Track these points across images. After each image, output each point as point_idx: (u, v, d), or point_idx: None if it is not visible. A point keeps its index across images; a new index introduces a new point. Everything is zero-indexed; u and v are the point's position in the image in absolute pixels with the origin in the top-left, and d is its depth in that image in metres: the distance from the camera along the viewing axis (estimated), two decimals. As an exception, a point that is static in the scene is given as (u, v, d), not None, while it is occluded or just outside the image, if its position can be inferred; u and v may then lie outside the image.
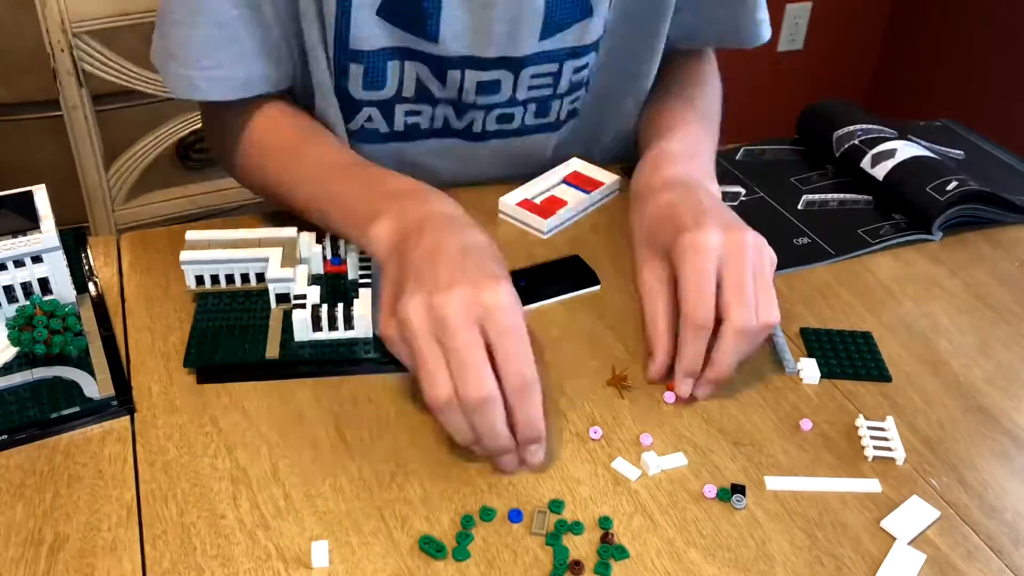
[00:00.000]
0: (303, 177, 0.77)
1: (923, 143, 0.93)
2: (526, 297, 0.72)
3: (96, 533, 0.56)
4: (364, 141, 0.87)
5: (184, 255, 0.72)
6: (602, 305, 0.76)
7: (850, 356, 0.71)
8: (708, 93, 0.93)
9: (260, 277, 0.73)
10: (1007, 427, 0.66)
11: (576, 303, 0.76)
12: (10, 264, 0.68)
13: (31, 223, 0.69)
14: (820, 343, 0.72)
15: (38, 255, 0.68)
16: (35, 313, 0.66)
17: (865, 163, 0.90)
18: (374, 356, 0.67)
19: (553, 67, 0.84)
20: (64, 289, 0.71)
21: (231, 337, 0.69)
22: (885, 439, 0.64)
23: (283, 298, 0.71)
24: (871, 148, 0.91)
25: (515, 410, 0.57)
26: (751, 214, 0.83)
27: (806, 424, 0.65)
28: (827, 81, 2.70)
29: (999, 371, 0.71)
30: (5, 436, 0.61)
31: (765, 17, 0.92)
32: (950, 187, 0.84)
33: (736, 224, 0.69)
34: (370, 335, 0.69)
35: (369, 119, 0.85)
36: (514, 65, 0.82)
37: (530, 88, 0.85)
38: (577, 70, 0.86)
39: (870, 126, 0.94)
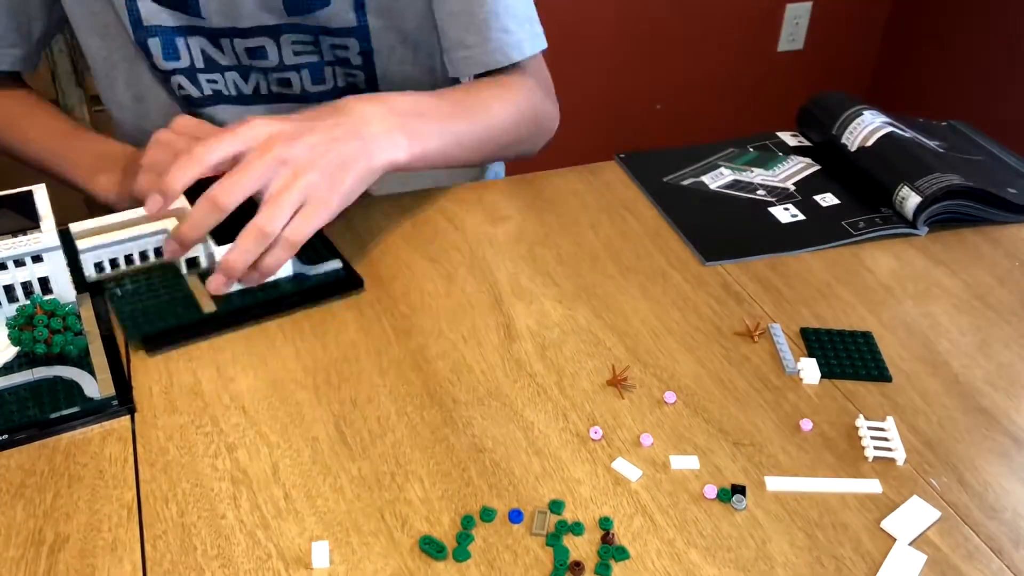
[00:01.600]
0: (33, 139, 0.96)
1: (909, 131, 0.93)
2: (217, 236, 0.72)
3: (96, 533, 0.56)
4: (194, 106, 0.97)
5: (81, 244, 0.73)
6: (602, 304, 0.76)
7: (850, 356, 0.71)
8: (479, 88, 0.91)
9: (158, 252, 0.75)
10: (1007, 427, 0.66)
11: (574, 301, 0.76)
12: (10, 263, 0.68)
13: (31, 223, 0.69)
14: (820, 343, 0.72)
15: (38, 254, 0.68)
16: (35, 312, 0.66)
17: (851, 143, 0.91)
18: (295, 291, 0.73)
19: (309, 37, 0.92)
20: (64, 288, 0.71)
21: (161, 306, 0.71)
22: (885, 439, 0.64)
23: (193, 263, 0.74)
24: (861, 132, 0.92)
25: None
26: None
27: (806, 424, 0.65)
28: (827, 81, 2.70)
29: (1000, 371, 0.71)
30: (5, 436, 0.61)
31: (511, 30, 0.90)
32: (935, 181, 0.84)
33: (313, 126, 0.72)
34: (291, 273, 0.74)
35: (180, 87, 0.95)
36: (270, 32, 0.91)
37: (295, 54, 0.93)
38: (337, 47, 0.93)
39: (870, 114, 0.94)
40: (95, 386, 0.65)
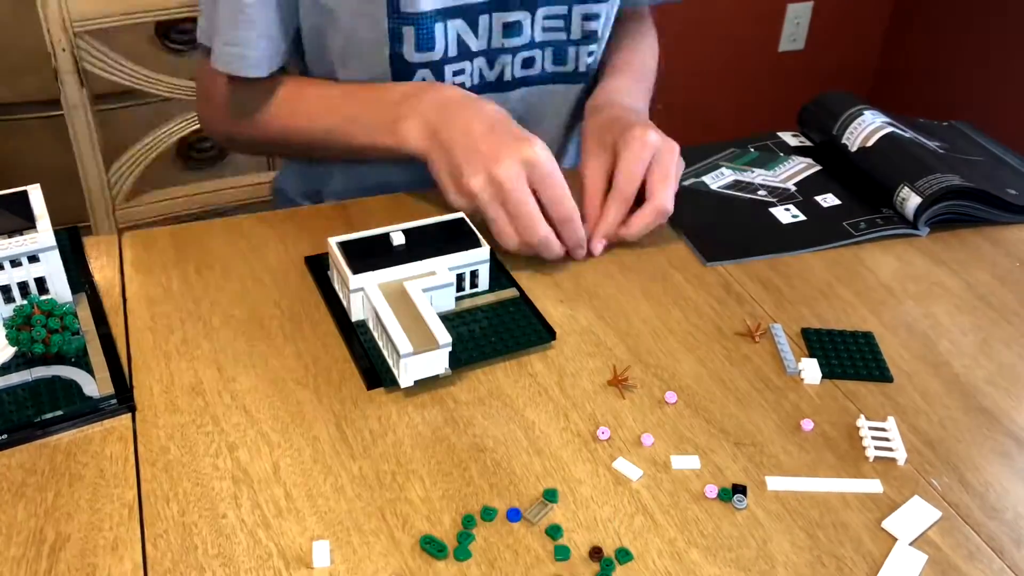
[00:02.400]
0: (315, 115, 0.91)
1: (909, 131, 0.93)
2: (404, 257, 0.71)
3: (97, 532, 0.56)
4: None
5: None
6: (603, 304, 0.76)
7: (851, 356, 0.71)
8: (644, 48, 1.07)
9: None
10: (1008, 427, 0.66)
11: (575, 301, 0.76)
12: (7, 264, 0.68)
13: (27, 223, 0.69)
14: (821, 343, 0.72)
15: (34, 254, 0.68)
16: (33, 312, 0.66)
17: (852, 144, 0.91)
18: None
19: (563, 9, 0.93)
20: (61, 288, 0.70)
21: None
22: (886, 439, 0.64)
23: None
24: (862, 133, 0.92)
25: (563, 235, 0.78)
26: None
27: (807, 424, 0.65)
28: (828, 81, 2.70)
29: (1000, 371, 0.71)
30: (4, 436, 0.61)
31: None
32: (936, 182, 0.84)
33: (668, 138, 0.84)
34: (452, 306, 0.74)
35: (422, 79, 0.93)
36: (529, 4, 0.92)
37: (544, 30, 0.94)
38: (587, 17, 0.94)
39: (870, 114, 0.94)
40: (94, 385, 0.65)
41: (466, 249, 0.73)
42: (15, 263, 0.68)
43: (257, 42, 0.87)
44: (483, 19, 0.90)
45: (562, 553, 0.55)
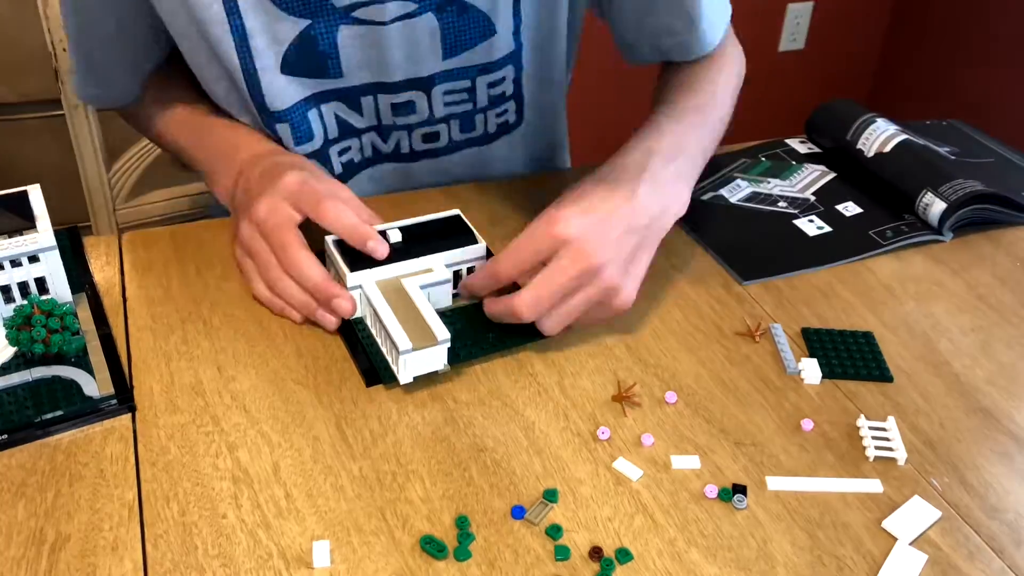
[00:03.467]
0: (174, 133, 0.91)
1: (921, 139, 0.93)
2: (401, 255, 0.71)
3: (97, 532, 0.56)
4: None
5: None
6: (603, 305, 0.76)
7: (851, 356, 0.71)
8: (711, 90, 0.87)
9: None
10: (1008, 427, 0.66)
11: (577, 303, 0.76)
12: (7, 264, 0.68)
13: (27, 223, 0.69)
14: (821, 343, 0.72)
15: (34, 255, 0.68)
16: (33, 312, 0.66)
17: (868, 150, 0.91)
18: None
19: (466, 83, 0.87)
20: (61, 288, 0.70)
21: None
22: (886, 439, 0.64)
23: None
24: (876, 140, 0.91)
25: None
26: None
27: (807, 424, 0.65)
28: (828, 81, 2.70)
29: (1001, 371, 0.71)
30: (5, 436, 0.61)
31: (713, 21, 0.87)
32: (958, 188, 0.84)
33: (617, 236, 0.68)
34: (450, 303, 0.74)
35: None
36: (423, 84, 0.85)
37: (446, 104, 0.88)
38: (493, 84, 0.88)
39: (883, 121, 0.94)
40: (94, 385, 0.65)
41: (463, 246, 0.73)
42: (15, 263, 0.68)
43: (114, 88, 0.91)
44: (366, 100, 0.85)
45: (562, 553, 0.55)
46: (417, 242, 0.72)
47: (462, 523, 0.57)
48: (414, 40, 0.81)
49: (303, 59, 0.80)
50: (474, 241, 0.73)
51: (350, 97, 0.85)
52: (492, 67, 0.86)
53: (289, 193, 0.71)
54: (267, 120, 0.83)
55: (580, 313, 0.68)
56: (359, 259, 0.70)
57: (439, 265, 0.71)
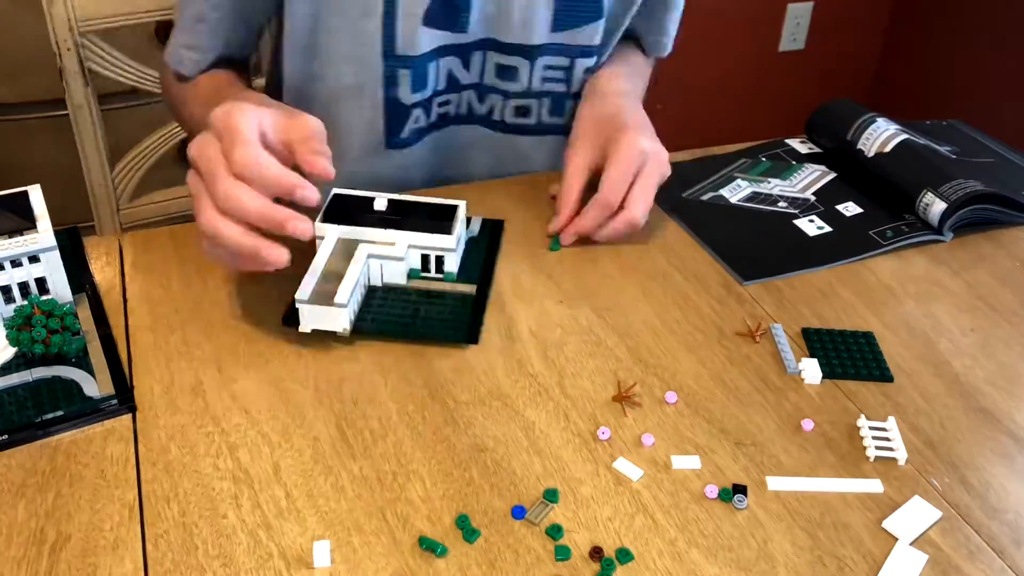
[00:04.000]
0: (194, 112, 0.88)
1: (922, 139, 0.93)
2: (378, 223, 0.73)
3: (98, 533, 0.56)
4: (408, 145, 0.94)
5: None
6: (603, 304, 0.76)
7: (852, 356, 0.71)
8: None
9: None
10: (1009, 427, 0.66)
11: (576, 302, 0.76)
12: (7, 264, 0.68)
13: (27, 223, 0.69)
14: (822, 343, 0.72)
15: (35, 255, 0.68)
16: (33, 313, 0.66)
17: (869, 150, 0.91)
18: None
19: (566, 61, 0.92)
20: (61, 288, 0.70)
21: None
22: (887, 439, 0.64)
23: None
24: (877, 140, 0.91)
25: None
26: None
27: (808, 424, 0.65)
28: (828, 81, 2.70)
29: (1001, 371, 0.71)
30: (5, 436, 0.61)
31: (673, 33, 1.01)
32: (960, 187, 0.84)
33: (658, 142, 0.84)
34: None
35: (416, 120, 0.92)
36: (529, 53, 0.90)
37: (544, 80, 0.93)
38: (590, 69, 0.94)
39: (883, 121, 0.94)
40: (94, 385, 0.65)
41: (435, 232, 0.74)
42: (15, 263, 0.68)
43: (209, 52, 0.89)
44: (476, 56, 0.90)
45: (562, 553, 0.55)
46: (400, 216, 0.74)
47: (463, 522, 0.57)
48: (532, 5, 0.87)
49: (444, 13, 0.85)
50: (448, 232, 0.74)
51: (465, 51, 0.89)
52: (591, 51, 0.92)
53: (215, 129, 0.65)
54: (389, 64, 0.86)
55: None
56: (338, 215, 0.73)
57: (401, 243, 0.73)
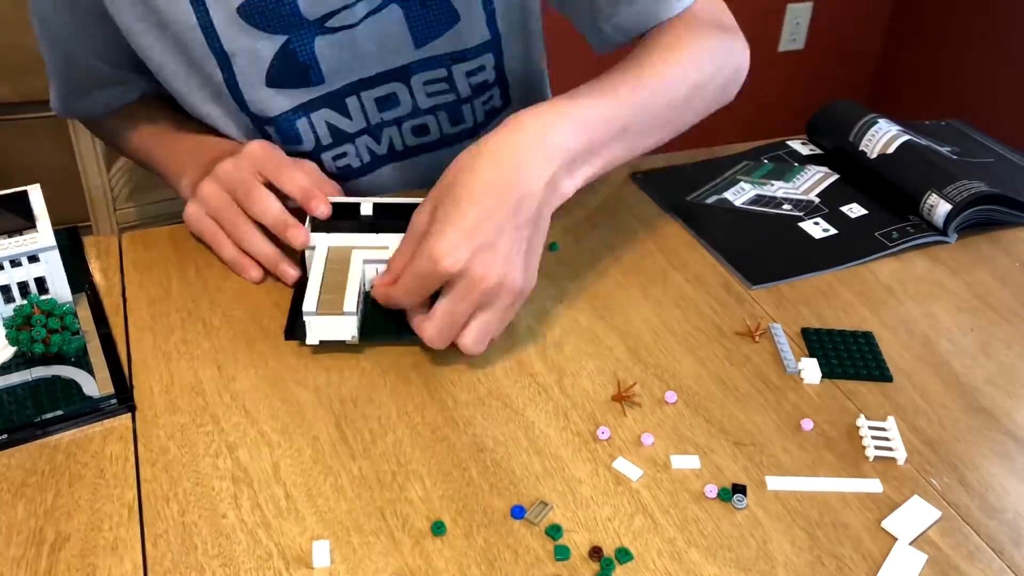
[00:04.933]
0: (137, 147, 0.93)
1: (923, 139, 0.93)
2: (364, 228, 0.73)
3: (97, 532, 0.56)
4: None
5: None
6: (603, 304, 0.76)
7: (851, 356, 0.71)
8: (655, 63, 0.77)
9: None
10: (1008, 427, 0.66)
11: (576, 302, 0.76)
12: (7, 264, 0.68)
13: (27, 222, 0.69)
14: (821, 343, 0.72)
15: (34, 254, 0.68)
16: (33, 312, 0.66)
17: (871, 152, 0.91)
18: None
19: (442, 72, 0.88)
20: (61, 288, 0.70)
21: None
22: (886, 439, 0.64)
23: None
24: (879, 141, 0.91)
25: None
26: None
27: (807, 424, 0.65)
28: (828, 81, 2.70)
29: (1000, 371, 0.71)
30: (5, 436, 0.61)
31: None
32: (963, 189, 0.84)
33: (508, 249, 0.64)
34: None
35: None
36: (400, 75, 0.87)
37: (429, 95, 0.89)
38: (472, 73, 0.89)
39: (885, 122, 0.94)
40: (94, 385, 0.65)
41: None
42: (15, 263, 0.68)
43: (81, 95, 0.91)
44: (351, 101, 0.86)
45: (562, 553, 0.55)
46: (386, 220, 0.74)
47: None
48: (384, 33, 0.83)
49: (286, 72, 0.82)
50: None
51: (335, 101, 0.86)
52: (467, 54, 0.88)
53: (253, 157, 0.76)
54: (256, 123, 0.85)
55: (498, 323, 0.66)
56: (326, 224, 0.73)
57: (393, 244, 0.72)
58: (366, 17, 0.82)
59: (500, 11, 0.87)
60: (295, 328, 0.70)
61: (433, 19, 0.84)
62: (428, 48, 0.86)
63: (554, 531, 0.56)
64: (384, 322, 0.71)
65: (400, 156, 0.93)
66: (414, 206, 0.74)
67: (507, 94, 0.94)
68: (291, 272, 0.75)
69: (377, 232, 0.73)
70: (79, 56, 0.86)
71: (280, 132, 0.85)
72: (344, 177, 0.92)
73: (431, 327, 0.65)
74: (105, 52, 0.84)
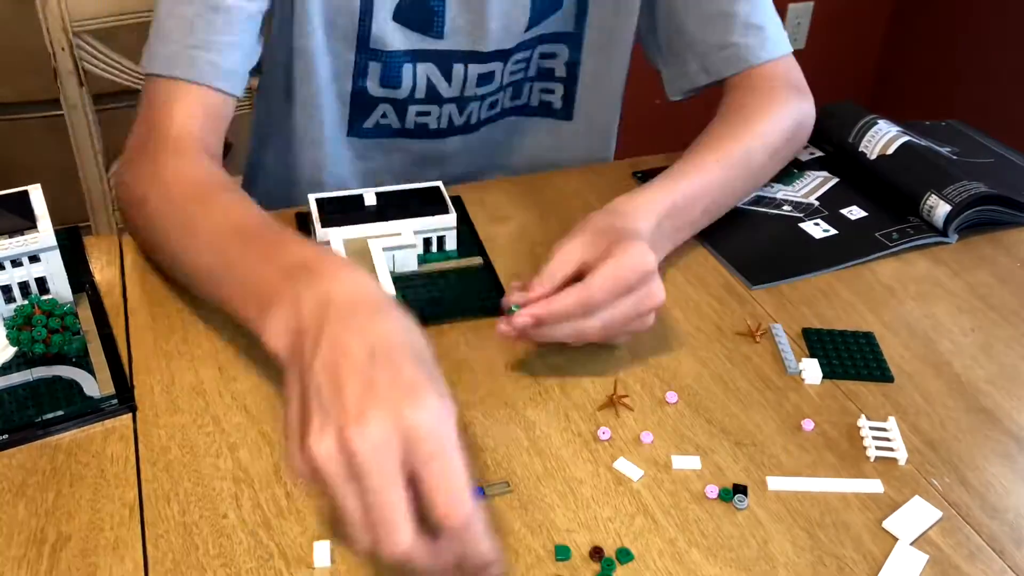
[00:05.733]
0: (203, 241, 0.66)
1: (923, 140, 0.93)
2: (374, 217, 0.74)
3: (98, 532, 0.56)
4: (374, 136, 0.94)
5: None
6: (604, 305, 0.76)
7: (852, 356, 0.71)
8: (726, 137, 0.85)
9: None
10: (1009, 427, 0.66)
11: (578, 303, 0.76)
12: (7, 264, 0.68)
13: (28, 223, 0.69)
14: (822, 343, 0.72)
15: (35, 254, 0.68)
16: (34, 312, 0.66)
17: (871, 153, 0.91)
18: None
19: (528, 53, 0.93)
20: (61, 288, 0.70)
21: None
22: (887, 439, 0.64)
23: None
24: (879, 141, 0.91)
25: (455, 548, 0.46)
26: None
27: (808, 424, 0.65)
28: (828, 81, 2.69)
29: (1001, 372, 0.71)
30: (6, 436, 0.61)
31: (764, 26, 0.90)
32: (963, 189, 0.84)
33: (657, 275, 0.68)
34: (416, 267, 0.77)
35: (384, 115, 0.92)
36: (505, 56, 0.90)
37: (511, 74, 0.93)
38: (544, 56, 0.94)
39: (884, 123, 0.94)
40: (95, 385, 0.65)
41: (434, 214, 0.76)
42: (16, 263, 0.68)
43: (230, 51, 0.77)
44: (457, 68, 0.89)
45: (562, 553, 0.55)
46: (393, 207, 0.76)
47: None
48: (509, 11, 0.86)
49: (414, 11, 0.84)
50: (446, 211, 0.76)
51: (444, 61, 0.88)
52: (547, 39, 0.92)
53: (405, 429, 0.47)
54: (361, 56, 0.86)
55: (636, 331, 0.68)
56: (334, 217, 0.74)
57: (407, 230, 0.74)
58: None
59: (591, 20, 0.91)
60: None
61: (547, 4, 0.88)
62: (531, 32, 0.89)
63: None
64: (420, 306, 0.72)
65: (470, 129, 0.96)
66: (412, 191, 0.77)
67: (570, 105, 0.98)
68: None
69: (386, 220, 0.74)
70: None
71: (385, 70, 0.87)
72: (417, 136, 0.95)
73: (599, 326, 0.65)
74: None
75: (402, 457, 0.46)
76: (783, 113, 0.88)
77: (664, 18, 0.92)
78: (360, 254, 0.72)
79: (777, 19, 0.92)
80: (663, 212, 0.74)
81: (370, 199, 0.76)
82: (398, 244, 0.73)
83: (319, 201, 0.76)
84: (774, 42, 0.91)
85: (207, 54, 0.75)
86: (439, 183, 0.79)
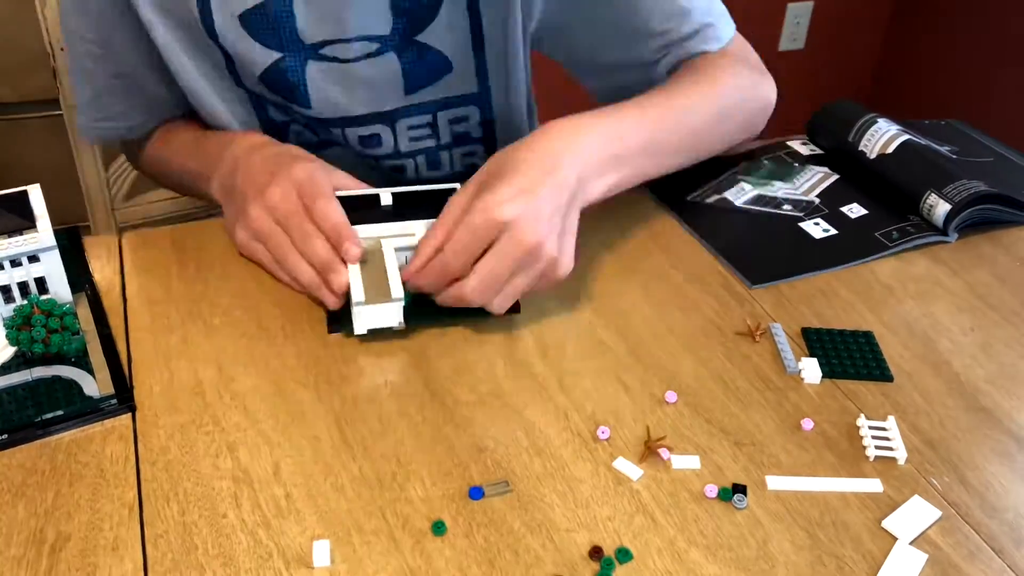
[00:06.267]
0: (173, 160, 0.92)
1: (923, 139, 0.93)
2: (388, 217, 0.75)
3: (98, 532, 0.56)
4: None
5: None
6: (603, 304, 0.76)
7: (851, 356, 0.71)
8: (663, 91, 0.83)
9: None
10: (1009, 427, 0.66)
11: (576, 302, 0.76)
12: (7, 264, 0.68)
13: (27, 222, 0.69)
14: (821, 343, 0.72)
15: (35, 254, 0.68)
16: (33, 312, 0.66)
17: (871, 152, 0.91)
18: None
19: (427, 118, 0.91)
20: (61, 288, 0.70)
21: None
22: (886, 439, 0.64)
23: None
24: (879, 141, 0.91)
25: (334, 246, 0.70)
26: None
27: (807, 424, 0.65)
28: (828, 81, 2.70)
29: (1001, 371, 0.71)
30: (5, 436, 0.61)
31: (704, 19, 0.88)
32: (963, 188, 0.84)
33: (557, 216, 0.69)
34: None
35: (298, 135, 0.93)
36: (386, 118, 0.89)
37: (411, 140, 0.92)
38: (455, 121, 0.92)
39: (884, 122, 0.94)
40: (94, 385, 0.65)
41: None
42: (15, 263, 0.68)
43: (133, 114, 0.91)
44: (335, 131, 0.89)
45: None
46: (408, 207, 0.76)
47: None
48: (377, 77, 0.86)
49: (276, 86, 0.85)
50: None
51: (320, 127, 0.89)
52: (452, 103, 0.90)
53: (298, 182, 0.72)
54: (252, 95, 0.88)
55: (525, 289, 0.70)
56: (348, 216, 0.73)
57: (420, 230, 0.73)
58: (362, 58, 0.84)
59: (490, 63, 0.88)
60: (339, 320, 0.71)
61: (427, 69, 0.87)
62: (417, 95, 0.88)
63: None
64: (420, 307, 0.72)
65: (434, 167, 0.96)
66: (433, 193, 0.77)
67: (491, 151, 0.94)
68: (332, 297, 0.70)
69: (398, 220, 0.74)
70: (119, 56, 0.85)
71: (271, 127, 0.90)
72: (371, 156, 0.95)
73: (474, 280, 0.67)
74: (140, 54, 0.85)
75: (301, 201, 0.71)
76: (732, 80, 0.88)
77: (584, 53, 0.92)
78: (372, 252, 0.72)
79: (713, 4, 0.90)
80: (597, 136, 0.74)
81: (386, 199, 0.76)
82: (409, 244, 0.73)
83: (338, 198, 0.76)
84: (717, 30, 0.89)
85: (114, 123, 0.92)
86: (456, 184, 0.78)
